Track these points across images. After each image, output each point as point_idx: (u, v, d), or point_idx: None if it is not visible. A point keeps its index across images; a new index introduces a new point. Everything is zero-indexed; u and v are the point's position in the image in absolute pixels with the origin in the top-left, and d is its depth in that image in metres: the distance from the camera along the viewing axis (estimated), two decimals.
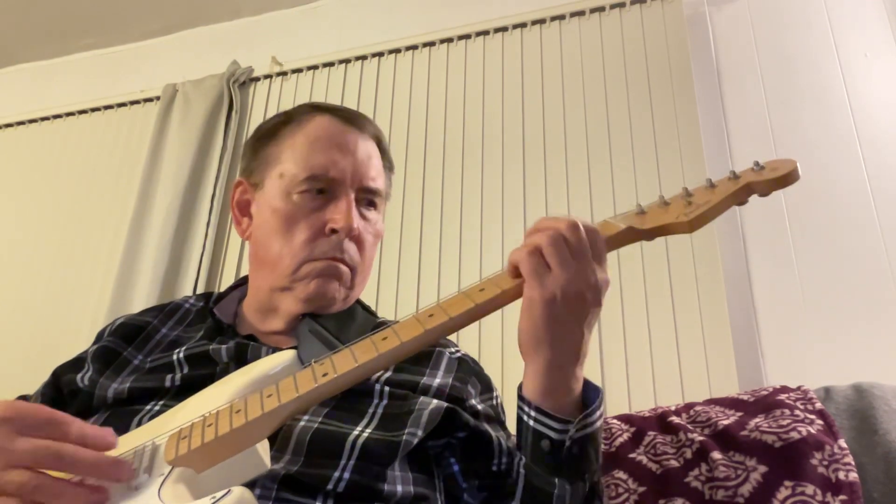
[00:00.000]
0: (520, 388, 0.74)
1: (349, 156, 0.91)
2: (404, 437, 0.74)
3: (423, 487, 0.76)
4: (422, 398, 0.80)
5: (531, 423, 0.72)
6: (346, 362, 0.65)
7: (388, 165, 1.01)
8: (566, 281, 0.68)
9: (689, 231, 0.71)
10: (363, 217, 0.92)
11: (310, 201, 0.89)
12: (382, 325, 0.95)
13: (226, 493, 0.53)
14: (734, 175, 0.73)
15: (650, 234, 0.73)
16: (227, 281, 1.84)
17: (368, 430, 0.74)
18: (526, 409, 0.72)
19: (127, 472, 0.59)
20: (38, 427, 0.58)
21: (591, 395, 0.73)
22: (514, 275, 0.71)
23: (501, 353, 1.50)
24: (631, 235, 0.73)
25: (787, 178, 0.71)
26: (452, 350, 0.93)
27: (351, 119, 0.96)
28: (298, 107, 1.00)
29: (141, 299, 1.78)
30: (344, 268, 0.89)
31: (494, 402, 0.91)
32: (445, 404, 0.79)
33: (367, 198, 0.93)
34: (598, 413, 0.72)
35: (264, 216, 0.92)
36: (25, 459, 0.55)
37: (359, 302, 0.99)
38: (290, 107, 1.91)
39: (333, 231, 0.88)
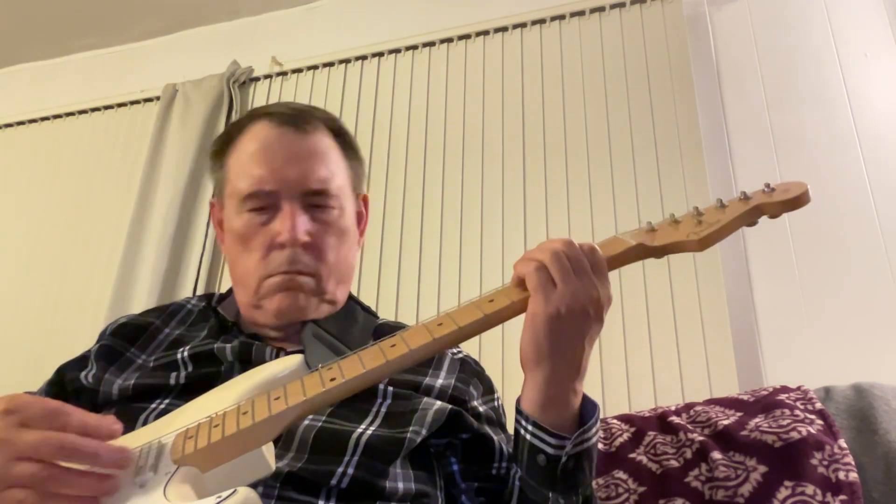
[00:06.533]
0: (518, 401, 0.74)
1: (287, 163, 0.88)
2: (408, 435, 0.75)
3: (424, 484, 0.77)
4: (425, 399, 0.81)
5: (528, 437, 0.72)
6: (354, 368, 0.65)
7: (349, 153, 0.96)
8: (571, 296, 0.68)
9: (698, 250, 0.72)
10: (315, 220, 0.89)
11: (257, 217, 0.88)
12: (384, 325, 0.95)
13: (231, 493, 0.54)
14: (745, 196, 0.74)
15: (660, 252, 0.74)
16: (227, 281, 1.84)
17: (372, 428, 0.75)
18: (523, 422, 0.72)
19: (129, 459, 0.60)
20: (40, 418, 0.58)
21: (588, 409, 0.73)
22: (519, 287, 0.71)
23: (502, 360, 1.49)
24: (641, 252, 0.74)
25: (797, 201, 0.71)
26: (454, 351, 0.93)
27: (289, 119, 0.91)
28: (244, 115, 0.97)
29: (141, 299, 1.78)
30: (302, 278, 0.87)
31: (496, 403, 0.91)
32: (450, 406, 0.80)
33: (315, 200, 0.89)
34: (594, 429, 0.72)
35: (228, 236, 0.93)
36: (30, 451, 0.56)
37: (357, 302, 0.99)
38: None
39: (283, 245, 0.86)
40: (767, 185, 0.73)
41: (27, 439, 0.56)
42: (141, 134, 2.12)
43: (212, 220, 1.00)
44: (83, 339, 1.75)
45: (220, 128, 1.99)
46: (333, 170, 0.91)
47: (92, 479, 0.58)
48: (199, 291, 1.80)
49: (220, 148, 0.95)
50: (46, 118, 2.29)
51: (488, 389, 0.92)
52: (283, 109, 0.93)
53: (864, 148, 1.53)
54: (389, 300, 1.67)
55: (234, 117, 2.01)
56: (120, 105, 2.22)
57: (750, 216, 0.73)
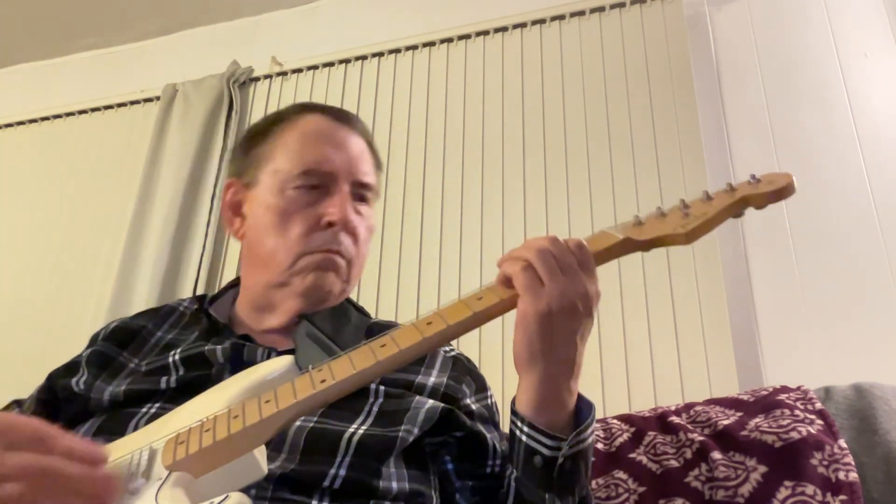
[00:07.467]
0: (513, 402, 0.74)
1: (342, 151, 0.93)
2: (400, 434, 0.74)
3: (419, 483, 0.77)
4: (417, 397, 0.81)
5: (524, 438, 0.71)
6: (344, 369, 0.65)
7: (378, 164, 1.02)
8: (559, 294, 0.68)
9: (685, 243, 0.72)
10: (357, 211, 0.93)
11: (304, 195, 0.90)
12: (376, 325, 0.94)
13: (224, 499, 0.53)
14: (731, 188, 0.74)
15: (648, 245, 0.74)
16: (227, 281, 1.84)
17: (364, 427, 0.75)
18: (519, 423, 0.72)
19: (114, 489, 0.58)
20: (25, 441, 0.57)
21: (584, 409, 0.73)
22: (506, 286, 0.71)
23: (502, 358, 1.49)
24: (628, 246, 0.74)
25: (782, 192, 0.72)
26: (447, 349, 0.93)
27: (341, 117, 0.98)
28: (289, 107, 1.00)
29: (141, 299, 1.78)
30: (340, 260, 0.90)
31: (489, 401, 0.91)
32: (441, 405, 0.80)
33: (360, 192, 0.94)
34: (590, 429, 0.72)
35: (258, 213, 0.92)
36: (14, 473, 0.55)
37: (351, 303, 0.99)
38: None
39: (330, 224, 0.88)
40: (753, 177, 0.74)
41: (11, 462, 0.55)
42: (141, 134, 2.12)
43: (224, 201, 0.98)
44: (83, 340, 1.75)
45: (220, 128, 1.99)
46: (372, 171, 0.98)
47: (82, 496, 0.56)
48: (200, 291, 1.80)
49: (264, 129, 0.97)
50: (46, 118, 2.29)
51: (481, 387, 0.91)
52: (332, 108, 1.00)
53: (864, 148, 1.53)
54: (389, 300, 1.67)
55: (234, 117, 2.01)
56: (120, 105, 2.22)
57: (736, 207, 0.73)
